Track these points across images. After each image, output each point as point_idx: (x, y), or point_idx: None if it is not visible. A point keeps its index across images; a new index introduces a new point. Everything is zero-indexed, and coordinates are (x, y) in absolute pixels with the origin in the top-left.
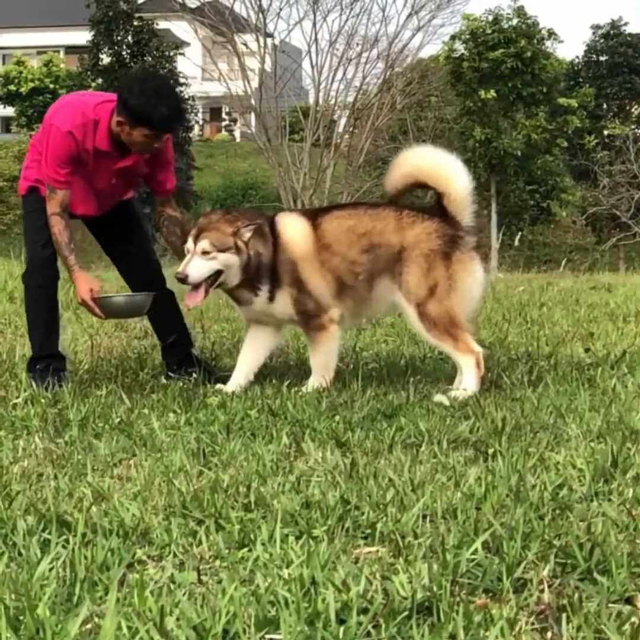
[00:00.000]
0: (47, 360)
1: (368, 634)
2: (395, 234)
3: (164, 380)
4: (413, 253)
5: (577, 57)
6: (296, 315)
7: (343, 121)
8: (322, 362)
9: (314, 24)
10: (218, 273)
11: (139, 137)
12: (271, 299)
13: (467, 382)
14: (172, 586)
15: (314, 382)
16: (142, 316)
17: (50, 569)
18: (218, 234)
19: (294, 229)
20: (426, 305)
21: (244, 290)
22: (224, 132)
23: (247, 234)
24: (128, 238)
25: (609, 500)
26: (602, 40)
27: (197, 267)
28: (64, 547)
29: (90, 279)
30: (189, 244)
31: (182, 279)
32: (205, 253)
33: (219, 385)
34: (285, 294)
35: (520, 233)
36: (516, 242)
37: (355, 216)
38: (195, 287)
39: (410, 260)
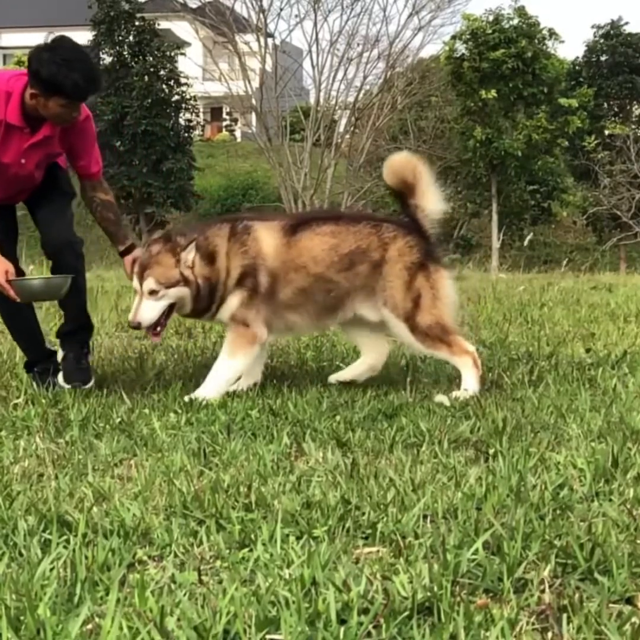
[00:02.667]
0: (44, 364)
1: (369, 634)
2: (377, 250)
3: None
4: (396, 267)
5: (578, 57)
6: (233, 320)
7: (344, 121)
8: (229, 373)
9: (315, 24)
10: (171, 306)
11: (55, 108)
12: (221, 304)
13: (468, 383)
14: (172, 586)
15: (206, 391)
16: (59, 298)
17: (51, 569)
18: (162, 269)
19: (269, 243)
20: (415, 317)
21: (199, 310)
22: (224, 132)
23: (189, 258)
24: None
25: (610, 500)
26: (602, 40)
27: (147, 310)
28: (64, 547)
29: (5, 261)
30: (135, 283)
31: (136, 327)
32: (153, 292)
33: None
34: (235, 298)
35: (531, 234)
36: (525, 243)
37: (337, 234)
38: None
39: (393, 274)
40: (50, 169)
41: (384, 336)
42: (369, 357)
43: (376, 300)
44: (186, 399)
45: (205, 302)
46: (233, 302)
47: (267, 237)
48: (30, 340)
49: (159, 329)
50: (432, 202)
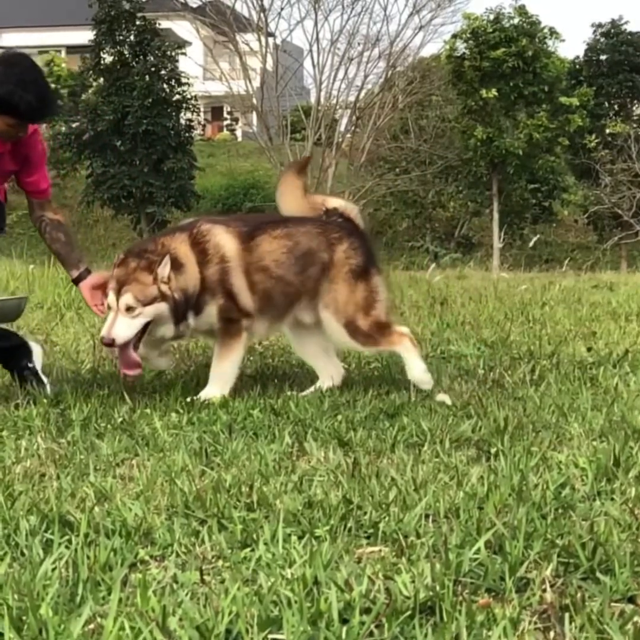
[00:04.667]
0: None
1: (371, 633)
2: (325, 252)
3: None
4: (343, 269)
5: (578, 56)
6: (219, 322)
7: (345, 120)
8: (229, 369)
9: (316, 23)
10: (145, 325)
11: (1, 126)
12: (197, 313)
13: (414, 366)
14: (174, 586)
15: (212, 390)
16: (15, 319)
17: (53, 569)
18: (140, 286)
19: (230, 242)
20: (356, 322)
21: (179, 327)
22: (225, 132)
23: (165, 273)
24: None
25: (612, 499)
26: (602, 39)
27: (123, 327)
28: (66, 547)
29: None
30: (110, 299)
31: (109, 344)
32: (129, 309)
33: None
34: (212, 306)
35: (537, 236)
36: (530, 245)
37: (291, 236)
38: (122, 347)
39: (339, 277)
40: None
41: (336, 357)
42: (327, 379)
43: (317, 302)
44: (194, 398)
45: (182, 313)
46: (213, 310)
47: (228, 242)
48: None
49: (128, 352)
50: (342, 201)
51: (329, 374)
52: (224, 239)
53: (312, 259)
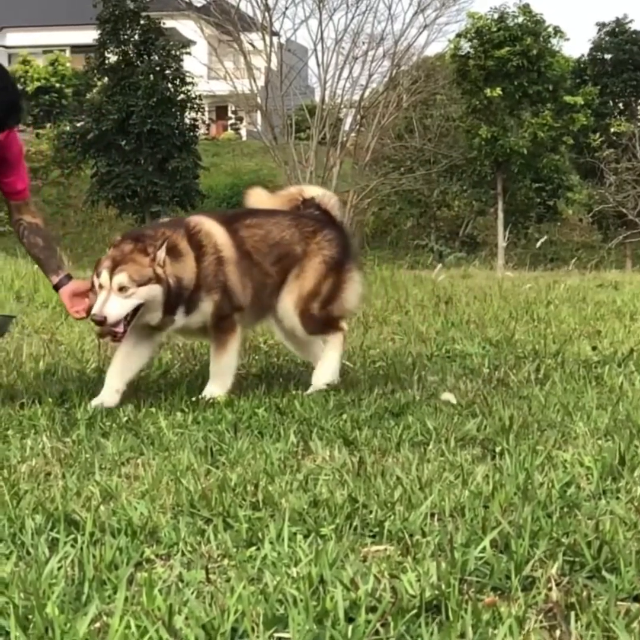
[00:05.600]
0: None
1: (377, 632)
2: (299, 243)
3: None
4: (315, 259)
5: (583, 54)
6: (213, 318)
7: (349, 119)
8: (227, 365)
9: (320, 23)
10: (136, 308)
11: None
12: (189, 311)
13: (332, 363)
14: (180, 585)
15: (214, 388)
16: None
17: (59, 568)
18: (136, 267)
19: (220, 232)
20: (311, 311)
21: (166, 316)
22: (230, 131)
23: (162, 256)
24: None
25: (617, 498)
26: (607, 38)
27: (115, 305)
28: (72, 546)
29: None
30: (103, 278)
31: (100, 322)
32: (122, 289)
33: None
34: (207, 301)
35: (545, 237)
36: (537, 246)
37: (266, 225)
38: (112, 326)
39: (310, 267)
40: None
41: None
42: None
43: (283, 289)
44: (199, 397)
45: (174, 302)
46: (208, 305)
47: (217, 231)
48: None
49: (121, 329)
50: (320, 190)
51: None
52: (215, 231)
53: (286, 249)
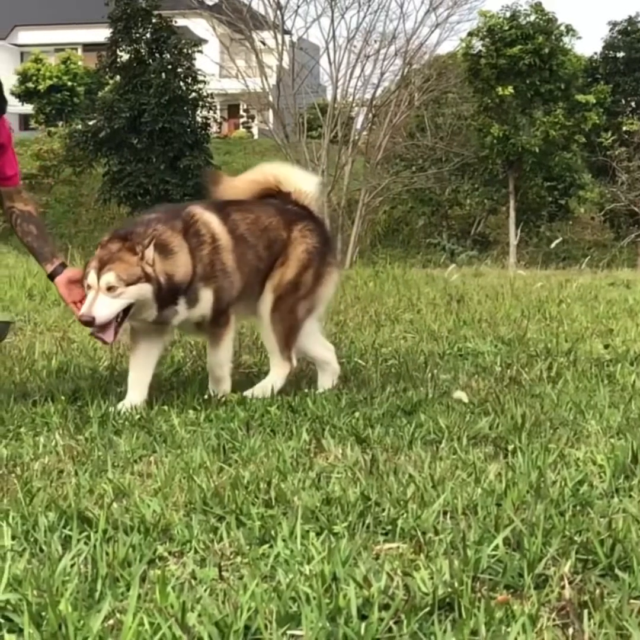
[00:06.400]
0: None
1: (390, 629)
2: (284, 230)
3: None
4: (299, 247)
5: (595, 53)
6: (213, 312)
7: (361, 118)
8: (224, 359)
9: (332, 21)
10: (127, 308)
11: None
12: (192, 304)
13: (265, 387)
14: (193, 582)
15: (217, 386)
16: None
17: (72, 565)
18: (124, 265)
19: (216, 221)
20: (285, 302)
21: (164, 311)
22: (241, 129)
23: (150, 255)
24: None
25: (630, 496)
26: (619, 37)
27: (103, 305)
28: (85, 543)
29: None
30: (91, 278)
31: (88, 323)
32: (111, 288)
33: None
34: (208, 292)
35: (559, 239)
36: (552, 246)
37: (254, 211)
38: (103, 326)
39: (294, 256)
40: None
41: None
42: (323, 366)
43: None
44: (210, 395)
45: (168, 298)
46: (207, 295)
47: (212, 220)
48: None
49: (108, 329)
50: (306, 183)
51: (323, 358)
52: (210, 220)
53: (274, 234)
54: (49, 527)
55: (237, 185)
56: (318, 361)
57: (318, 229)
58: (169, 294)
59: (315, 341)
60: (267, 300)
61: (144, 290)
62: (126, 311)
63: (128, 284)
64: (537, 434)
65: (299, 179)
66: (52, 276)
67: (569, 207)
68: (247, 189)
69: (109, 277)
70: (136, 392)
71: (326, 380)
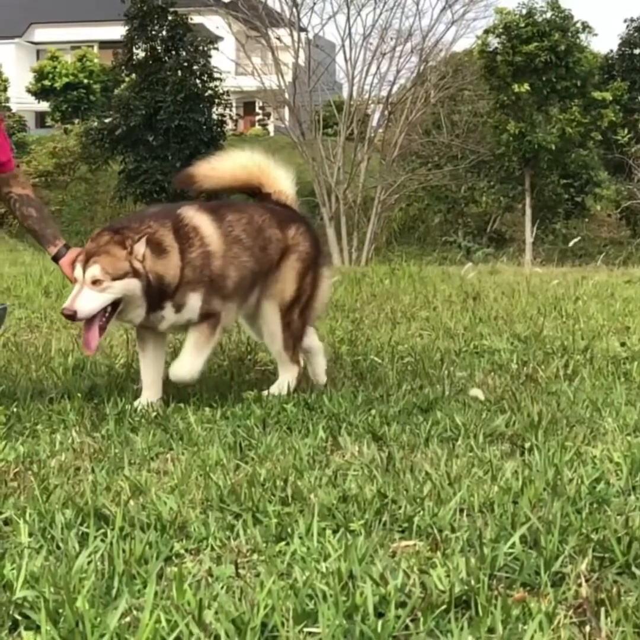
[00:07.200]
0: None
1: (406, 627)
2: (280, 233)
3: None
4: (293, 255)
5: (612, 50)
6: (200, 314)
7: (377, 115)
8: (198, 364)
9: (348, 18)
10: (114, 304)
11: None
12: (179, 308)
13: (282, 386)
14: (210, 580)
15: (181, 366)
16: None
17: (89, 563)
18: (111, 259)
19: (208, 224)
20: (291, 315)
21: (151, 314)
22: (257, 127)
23: (140, 250)
24: None
25: None
26: (635, 34)
27: (87, 299)
28: (102, 540)
29: None
30: (77, 271)
31: (70, 316)
32: (96, 282)
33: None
34: (196, 296)
35: (578, 238)
36: (570, 244)
37: (248, 212)
38: (88, 321)
39: (288, 266)
40: None
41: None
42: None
43: (263, 290)
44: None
45: (157, 298)
46: (195, 299)
47: (204, 223)
48: None
49: (93, 329)
50: (286, 184)
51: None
52: (203, 222)
53: (269, 238)
54: (66, 524)
55: (217, 173)
56: (306, 352)
57: (309, 232)
58: (158, 293)
59: (309, 333)
60: (271, 315)
61: (132, 285)
62: (114, 309)
63: (114, 279)
64: (554, 431)
65: (278, 177)
66: (56, 258)
67: (585, 204)
68: (228, 177)
69: (94, 271)
70: (151, 390)
71: (319, 371)
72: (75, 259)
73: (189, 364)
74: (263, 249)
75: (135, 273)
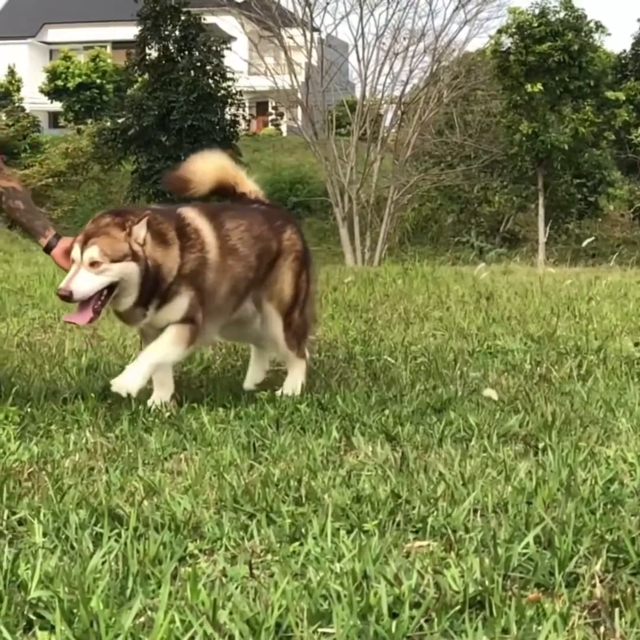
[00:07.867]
0: None
1: (420, 628)
2: (274, 237)
3: None
4: (289, 258)
5: (625, 50)
6: (182, 318)
7: (390, 115)
8: (170, 357)
9: (361, 18)
10: (110, 288)
11: None
12: (161, 305)
13: (291, 383)
14: (224, 580)
15: (129, 376)
16: None
17: (103, 563)
18: (110, 240)
19: (207, 227)
20: (292, 315)
21: (135, 307)
22: (270, 127)
23: (141, 233)
24: None
25: None
26: None
27: (83, 281)
28: (116, 540)
29: None
30: (75, 252)
31: (65, 297)
32: (94, 264)
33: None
34: (182, 298)
35: (592, 238)
36: (583, 244)
37: (245, 216)
38: (83, 304)
39: (286, 266)
40: None
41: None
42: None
43: (261, 293)
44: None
45: (150, 288)
46: (182, 302)
47: (204, 226)
48: None
49: (87, 309)
50: (252, 182)
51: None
52: (203, 226)
53: (266, 243)
54: (80, 525)
55: (198, 176)
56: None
57: (300, 230)
58: (152, 284)
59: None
60: (273, 319)
61: (130, 269)
62: (109, 294)
63: (113, 260)
64: (568, 431)
65: (244, 176)
66: (47, 249)
67: (598, 204)
68: (211, 179)
69: (93, 252)
70: (163, 389)
71: (259, 370)
72: (71, 245)
73: (132, 375)
74: (259, 257)
75: (134, 256)
